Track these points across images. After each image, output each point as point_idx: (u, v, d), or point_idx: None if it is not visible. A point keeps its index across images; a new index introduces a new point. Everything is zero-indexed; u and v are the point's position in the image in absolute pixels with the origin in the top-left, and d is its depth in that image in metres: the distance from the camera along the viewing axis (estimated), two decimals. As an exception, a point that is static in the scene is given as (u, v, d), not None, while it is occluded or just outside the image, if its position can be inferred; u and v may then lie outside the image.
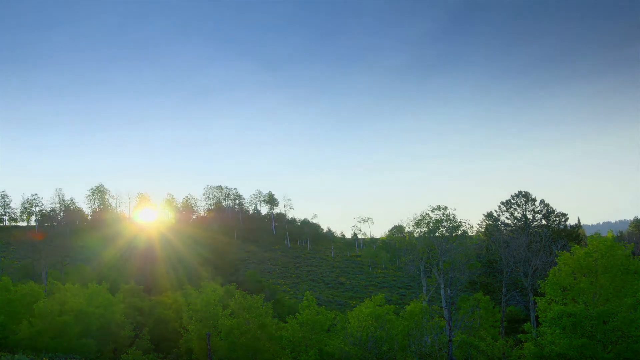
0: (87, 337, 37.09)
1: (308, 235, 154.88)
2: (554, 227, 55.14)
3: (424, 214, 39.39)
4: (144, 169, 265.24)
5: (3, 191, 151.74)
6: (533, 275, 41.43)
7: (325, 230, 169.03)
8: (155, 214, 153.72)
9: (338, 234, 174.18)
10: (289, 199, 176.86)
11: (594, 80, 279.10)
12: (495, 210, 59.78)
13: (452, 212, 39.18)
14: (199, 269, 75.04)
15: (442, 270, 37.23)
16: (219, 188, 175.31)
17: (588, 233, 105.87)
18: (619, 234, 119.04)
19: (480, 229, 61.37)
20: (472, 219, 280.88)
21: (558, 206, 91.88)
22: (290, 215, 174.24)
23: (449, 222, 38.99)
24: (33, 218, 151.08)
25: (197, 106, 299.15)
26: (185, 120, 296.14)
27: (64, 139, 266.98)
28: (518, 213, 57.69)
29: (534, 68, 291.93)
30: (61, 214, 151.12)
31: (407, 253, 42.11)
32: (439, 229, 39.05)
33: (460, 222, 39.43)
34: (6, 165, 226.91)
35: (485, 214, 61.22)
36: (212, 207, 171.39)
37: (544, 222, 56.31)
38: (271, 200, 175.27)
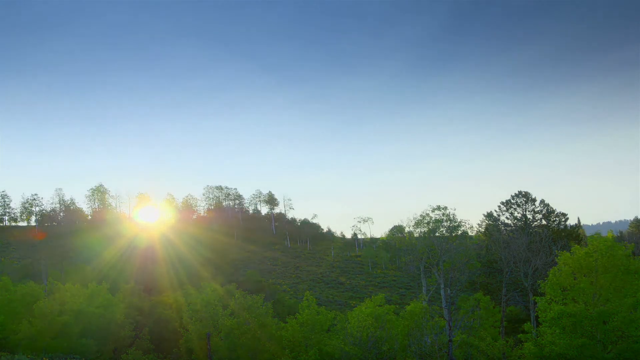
0: (87, 337, 37.10)
1: (308, 235, 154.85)
2: (554, 227, 55.12)
3: (424, 214, 39.43)
4: (144, 169, 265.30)
5: (3, 191, 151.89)
6: (533, 275, 41.42)
7: (325, 230, 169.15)
8: (155, 214, 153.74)
9: (338, 234, 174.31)
10: (289, 199, 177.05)
11: (594, 80, 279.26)
12: (495, 210, 59.80)
13: (452, 212, 39.24)
14: (199, 269, 75.09)
15: (442, 270, 37.24)
16: (219, 188, 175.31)
17: (588, 233, 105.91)
18: (619, 234, 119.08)
19: (480, 229, 61.37)
20: (472, 219, 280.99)
21: (558, 206, 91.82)
22: (290, 215, 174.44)
23: (449, 222, 39.02)
24: (33, 218, 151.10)
25: (197, 106, 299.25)
26: (185, 120, 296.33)
27: (64, 139, 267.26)
28: (518, 213, 57.68)
29: (533, 68, 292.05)
30: (61, 214, 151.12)
31: (407, 253, 42.12)
32: (439, 229, 39.06)
33: (460, 222, 39.49)
34: (6, 165, 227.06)
35: (485, 214, 61.24)
36: (212, 207, 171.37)
37: (544, 222, 56.29)
38: (271, 200, 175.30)
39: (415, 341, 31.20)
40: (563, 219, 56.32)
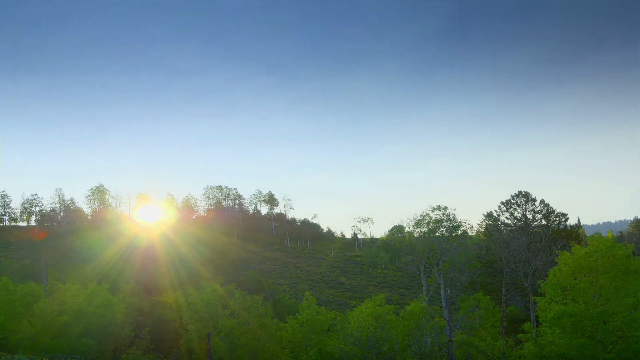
0: (87, 337, 37.11)
1: (308, 235, 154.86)
2: (554, 227, 55.10)
3: (424, 214, 39.39)
4: (144, 169, 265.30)
5: (3, 191, 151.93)
6: (533, 275, 41.41)
7: (325, 230, 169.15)
8: (155, 214, 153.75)
9: (338, 234, 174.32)
10: (289, 199, 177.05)
11: (594, 80, 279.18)
12: (495, 210, 59.78)
13: (452, 212, 39.19)
14: (199, 269, 75.10)
15: (442, 270, 37.22)
16: (219, 188, 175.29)
17: (588, 233, 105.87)
18: (619, 234, 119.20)
19: (480, 229, 61.35)
20: (472, 219, 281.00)
21: (558, 206, 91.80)
22: (290, 215, 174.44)
23: (449, 222, 38.98)
24: (33, 218, 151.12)
25: (197, 106, 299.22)
26: (185, 120, 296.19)
27: (64, 139, 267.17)
28: (518, 213, 57.66)
29: (533, 68, 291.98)
30: (61, 214, 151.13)
31: (407, 253, 42.08)
32: (439, 229, 39.03)
33: (460, 222, 39.43)
34: (6, 165, 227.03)
35: (485, 214, 61.21)
36: (212, 207, 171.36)
37: (544, 222, 56.26)
38: (271, 200, 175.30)
39: (415, 341, 31.19)
40: (563, 219, 56.30)
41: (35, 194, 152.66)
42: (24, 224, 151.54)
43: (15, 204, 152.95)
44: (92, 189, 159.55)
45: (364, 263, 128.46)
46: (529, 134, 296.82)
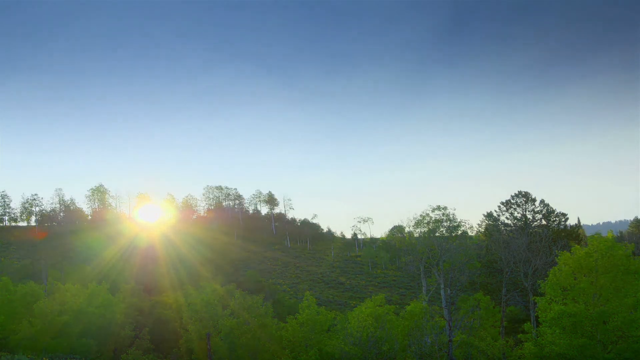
0: (87, 337, 37.10)
1: (308, 235, 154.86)
2: (554, 227, 55.09)
3: (424, 214, 39.40)
4: (144, 169, 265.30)
5: (3, 191, 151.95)
6: (533, 275, 41.40)
7: (325, 230, 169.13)
8: (155, 214, 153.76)
9: (338, 234, 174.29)
10: (289, 199, 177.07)
11: (594, 80, 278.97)
12: (495, 211, 59.77)
13: (452, 212, 39.20)
14: (199, 269, 75.12)
15: (442, 270, 37.22)
16: (219, 188, 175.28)
17: (588, 233, 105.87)
18: (619, 234, 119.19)
19: (480, 229, 61.34)
20: (472, 219, 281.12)
21: (558, 206, 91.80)
22: (290, 215, 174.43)
23: (449, 222, 38.98)
24: (33, 218, 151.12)
25: (197, 106, 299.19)
26: (185, 120, 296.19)
27: (64, 139, 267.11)
28: (518, 213, 57.66)
29: (533, 68, 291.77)
30: (61, 214, 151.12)
31: (407, 253, 42.07)
32: (439, 229, 39.03)
33: (460, 222, 39.44)
34: (6, 165, 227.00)
35: (485, 214, 61.20)
36: (212, 207, 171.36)
37: (544, 222, 56.25)
38: (271, 200, 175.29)
39: (415, 341, 31.19)
40: (563, 219, 56.29)
41: (35, 194, 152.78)
42: (24, 224, 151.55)
43: (15, 204, 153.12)
44: (92, 189, 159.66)
45: (364, 263, 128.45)
46: (529, 134, 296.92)
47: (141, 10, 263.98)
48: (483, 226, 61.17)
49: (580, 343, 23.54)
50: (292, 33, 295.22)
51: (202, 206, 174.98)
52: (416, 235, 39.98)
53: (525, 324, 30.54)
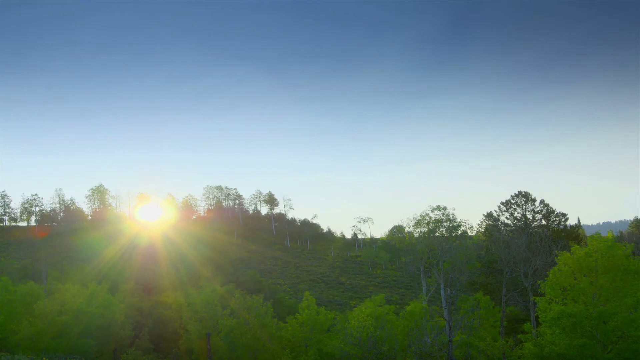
0: (87, 337, 37.08)
1: (308, 235, 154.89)
2: (554, 227, 55.05)
3: (423, 214, 39.42)
4: (144, 169, 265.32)
5: (3, 191, 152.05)
6: (533, 275, 41.38)
7: (325, 230, 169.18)
8: (155, 214, 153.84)
9: (338, 234, 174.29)
10: (289, 199, 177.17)
11: (594, 80, 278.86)
12: (495, 211, 59.73)
13: (451, 212, 39.23)
14: (199, 269, 75.06)
15: (442, 270, 37.22)
16: (219, 188, 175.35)
17: (588, 233, 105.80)
18: (619, 234, 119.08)
19: (480, 229, 61.28)
20: (472, 219, 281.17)
21: (558, 206, 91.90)
22: (290, 215, 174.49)
23: (448, 222, 39.01)
24: (33, 218, 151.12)
25: (197, 107, 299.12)
26: (185, 120, 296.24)
27: (64, 139, 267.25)
28: (518, 213, 57.63)
29: (533, 68, 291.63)
30: (61, 214, 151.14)
31: (407, 253, 42.10)
32: (439, 229, 39.05)
33: (460, 222, 39.47)
34: (6, 165, 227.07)
35: (485, 214, 61.15)
36: (212, 207, 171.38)
37: (544, 222, 56.20)
38: (271, 200, 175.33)
39: (415, 341, 31.18)
40: (563, 219, 56.25)
41: (35, 194, 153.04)
42: (24, 224, 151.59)
43: (15, 204, 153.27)
44: (92, 189, 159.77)
45: (364, 263, 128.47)
46: (529, 134, 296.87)
47: (142, 10, 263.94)
48: (483, 226, 61.13)
49: (580, 343, 23.52)
50: (292, 33, 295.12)
51: (202, 206, 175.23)
52: (416, 235, 39.99)
53: (525, 324, 30.51)
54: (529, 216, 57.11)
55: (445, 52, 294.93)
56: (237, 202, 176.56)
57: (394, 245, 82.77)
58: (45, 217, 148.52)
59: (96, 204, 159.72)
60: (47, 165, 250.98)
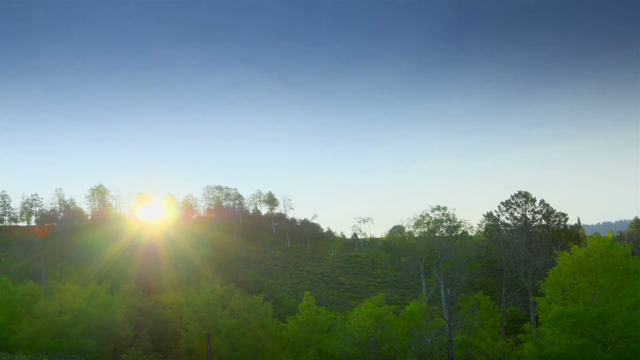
0: (87, 337, 37.07)
1: (308, 235, 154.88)
2: (554, 227, 55.04)
3: (423, 214, 39.40)
4: (144, 169, 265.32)
5: (3, 191, 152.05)
6: (533, 275, 41.37)
7: (325, 230, 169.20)
8: (155, 213, 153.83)
9: (338, 234, 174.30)
10: (289, 199, 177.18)
11: (594, 80, 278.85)
12: (495, 211, 59.72)
13: (451, 212, 39.22)
14: (199, 269, 75.02)
15: (442, 270, 37.22)
16: (219, 188, 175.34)
17: (588, 233, 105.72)
18: (619, 234, 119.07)
19: (480, 229, 61.27)
20: (472, 219, 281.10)
21: (558, 206, 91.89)
22: (290, 215, 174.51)
23: (448, 222, 39.00)
24: (33, 218, 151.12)
25: (197, 107, 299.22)
26: (185, 120, 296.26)
27: (64, 139, 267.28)
28: (518, 213, 57.62)
29: (533, 68, 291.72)
30: (61, 214, 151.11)
31: (407, 253, 42.10)
32: (439, 229, 39.04)
33: (460, 222, 39.46)
34: (6, 165, 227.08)
35: (485, 214, 61.15)
36: (212, 207, 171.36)
37: (543, 222, 56.20)
38: (271, 200, 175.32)
39: (415, 341, 31.18)
40: (563, 219, 56.24)
41: (35, 194, 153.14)
42: (24, 224, 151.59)
43: (15, 204, 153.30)
44: (92, 189, 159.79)
45: (364, 263, 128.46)
46: (529, 134, 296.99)
47: (142, 10, 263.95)
48: (483, 226, 61.12)
49: (580, 343, 23.53)
50: (292, 34, 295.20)
51: (202, 206, 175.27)
52: (416, 235, 39.98)
53: (525, 324, 30.51)
54: (529, 216, 57.11)
55: (445, 52, 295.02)
56: (237, 202, 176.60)
57: (394, 245, 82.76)
58: (45, 217, 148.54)
59: (96, 204, 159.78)
60: (47, 165, 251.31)
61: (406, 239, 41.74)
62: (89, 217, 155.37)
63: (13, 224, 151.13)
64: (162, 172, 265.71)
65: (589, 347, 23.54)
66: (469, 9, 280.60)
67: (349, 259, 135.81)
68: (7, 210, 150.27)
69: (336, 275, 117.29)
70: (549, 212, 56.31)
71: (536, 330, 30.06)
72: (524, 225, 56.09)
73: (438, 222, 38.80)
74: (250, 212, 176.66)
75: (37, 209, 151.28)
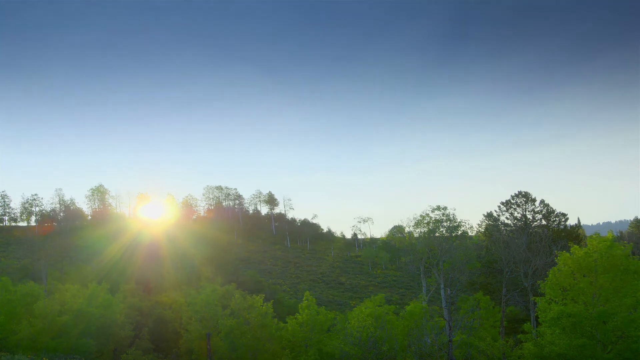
0: (87, 337, 37.06)
1: (308, 235, 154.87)
2: (554, 227, 55.04)
3: (423, 214, 39.41)
4: (144, 169, 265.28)
5: (3, 191, 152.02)
6: (533, 275, 41.38)
7: (325, 230, 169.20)
8: (155, 214, 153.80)
9: (338, 234, 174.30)
10: (289, 199, 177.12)
11: (593, 80, 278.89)
12: (495, 211, 59.73)
13: (452, 212, 39.23)
14: (199, 269, 75.02)
15: (442, 270, 37.23)
16: (219, 188, 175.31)
17: (588, 233, 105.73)
18: (619, 234, 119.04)
19: (480, 229, 61.26)
20: (472, 219, 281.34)
21: (558, 206, 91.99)
22: (290, 215, 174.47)
23: (448, 222, 39.00)
24: (33, 218, 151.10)
25: (197, 107, 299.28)
26: (185, 120, 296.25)
27: (64, 139, 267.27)
28: (518, 213, 57.62)
29: (533, 68, 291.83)
30: (61, 214, 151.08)
31: (407, 253, 42.09)
32: (439, 229, 39.04)
33: (460, 222, 39.46)
34: (6, 165, 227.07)
35: (485, 214, 61.15)
36: (212, 207, 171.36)
37: (544, 222, 56.20)
38: (271, 200, 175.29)
39: (415, 341, 31.19)
40: (563, 219, 56.24)
41: (35, 194, 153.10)
42: (24, 224, 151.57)
43: (15, 204, 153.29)
44: (92, 189, 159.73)
45: (364, 263, 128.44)
46: (529, 134, 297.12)
47: (142, 10, 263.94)
48: (483, 226, 61.12)
49: (580, 343, 23.53)
50: (292, 34, 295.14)
51: (202, 206, 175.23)
52: (416, 235, 39.98)
53: (525, 324, 30.52)
54: (529, 216, 57.11)
55: (445, 52, 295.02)
56: (237, 202, 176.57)
57: (394, 245, 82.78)
58: (45, 217, 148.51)
59: (96, 204, 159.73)
60: (47, 165, 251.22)
61: (406, 239, 41.74)
62: (89, 217, 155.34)
63: (13, 224, 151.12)
64: (162, 172, 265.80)
65: (589, 347, 23.55)
66: (469, 9, 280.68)
67: (349, 259, 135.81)
68: (7, 210, 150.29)
69: (336, 275, 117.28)
70: (549, 212, 56.31)
71: (536, 330, 30.07)
72: (524, 225, 56.09)
73: (438, 222, 38.81)
74: (251, 212, 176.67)
75: (37, 209, 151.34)
